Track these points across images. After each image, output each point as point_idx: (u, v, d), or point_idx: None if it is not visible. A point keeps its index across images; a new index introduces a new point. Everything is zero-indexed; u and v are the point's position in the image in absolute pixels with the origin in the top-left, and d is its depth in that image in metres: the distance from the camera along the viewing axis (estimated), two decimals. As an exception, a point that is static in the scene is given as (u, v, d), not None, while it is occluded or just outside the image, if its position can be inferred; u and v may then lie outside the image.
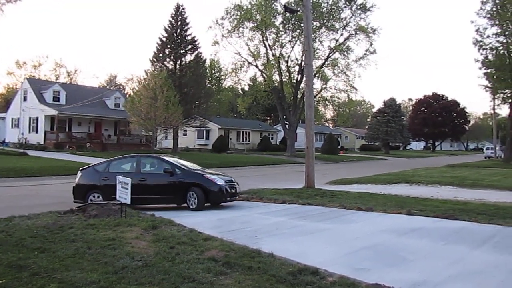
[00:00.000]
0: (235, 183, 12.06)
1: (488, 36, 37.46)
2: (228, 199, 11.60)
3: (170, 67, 43.53)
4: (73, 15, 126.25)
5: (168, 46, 43.67)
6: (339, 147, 64.30)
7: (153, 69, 41.41)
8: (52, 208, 10.07)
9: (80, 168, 12.62)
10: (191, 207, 11.03)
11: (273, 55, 43.97)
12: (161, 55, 43.59)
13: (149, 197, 11.42)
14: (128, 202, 8.91)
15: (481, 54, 38.02)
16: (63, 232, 7.34)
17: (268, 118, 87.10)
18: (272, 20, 41.94)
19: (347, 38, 43.37)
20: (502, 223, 8.92)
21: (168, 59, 44.02)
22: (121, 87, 76.89)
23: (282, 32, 43.66)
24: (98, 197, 11.35)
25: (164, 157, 12.39)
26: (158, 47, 43.78)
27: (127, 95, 47.21)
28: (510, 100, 37.95)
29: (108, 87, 75.14)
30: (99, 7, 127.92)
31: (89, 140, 40.61)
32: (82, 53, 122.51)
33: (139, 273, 5.20)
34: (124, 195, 8.83)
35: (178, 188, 11.26)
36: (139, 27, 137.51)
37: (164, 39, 43.71)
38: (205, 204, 11.22)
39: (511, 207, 11.18)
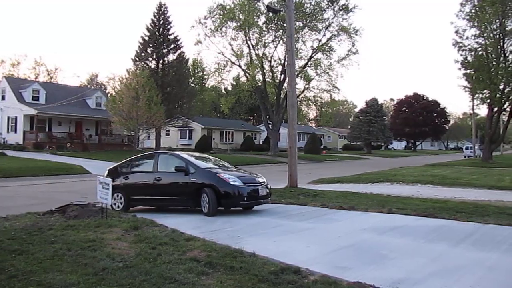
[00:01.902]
0: (262, 184, 10.44)
1: (467, 38, 38.25)
2: (247, 202, 10.11)
3: (152, 67, 43.18)
4: (53, 13, 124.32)
5: (151, 45, 43.32)
6: (322, 146, 64.73)
7: (135, 68, 41.07)
8: (31, 210, 9.88)
9: (108, 168, 12.13)
10: (203, 211, 9.79)
11: (256, 55, 44.01)
12: (143, 54, 43.20)
13: (162, 198, 10.63)
14: (109, 203, 8.79)
15: (461, 55, 38.80)
16: (42, 234, 7.20)
17: (251, 118, 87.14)
18: (255, 20, 41.96)
19: (329, 39, 43.67)
20: (480, 221, 9.09)
21: (150, 58, 43.66)
22: (103, 86, 76.02)
23: (265, 32, 43.74)
24: (120, 197, 10.92)
25: (181, 154, 11.21)
26: (140, 46, 43.39)
27: (109, 95, 46.63)
28: (488, 101, 38.70)
29: (89, 86, 74.18)
30: (80, 4, 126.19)
31: (69, 140, 40.02)
32: (62, 51, 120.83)
33: (120, 274, 5.13)
34: (105, 195, 8.71)
35: (190, 189, 10.06)
36: (121, 26, 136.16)
37: (147, 38, 43.34)
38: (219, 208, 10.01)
39: (489, 205, 11.41)
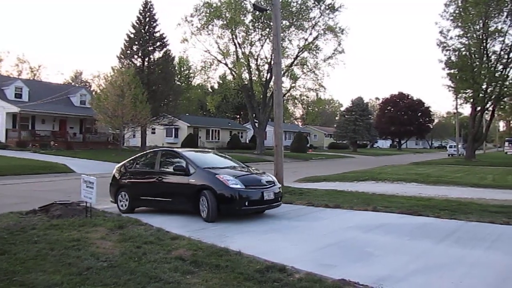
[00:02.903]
0: (268, 186, 9.31)
1: (451, 38, 38.78)
2: (248, 208, 8.98)
3: (138, 64, 42.77)
4: (36, 9, 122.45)
5: (136, 42, 42.92)
6: (308, 145, 64.98)
7: (121, 66, 40.66)
8: (13, 209, 9.73)
9: (116, 166, 11.59)
10: (203, 216, 8.92)
11: (242, 53, 43.98)
12: (128, 51, 42.78)
13: (163, 200, 9.90)
14: (94, 202, 8.68)
15: (445, 55, 39.31)
16: (25, 234, 7.10)
17: (238, 116, 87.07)
18: (242, 18, 41.92)
19: (316, 38, 43.88)
20: (463, 218, 9.22)
21: (136, 56, 43.24)
22: (87, 84, 75.06)
23: (252, 31, 43.73)
24: (125, 196, 10.45)
25: (182, 152, 10.24)
26: (125, 43, 42.96)
27: (93, 92, 46.10)
28: (471, 100, 39.26)
29: (73, 84, 73.24)
30: (64, 0, 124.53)
31: (53, 139, 39.46)
32: (46, 48, 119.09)
33: (104, 273, 5.09)
34: (89, 194, 8.61)
35: (190, 191, 9.18)
36: (106, 23, 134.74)
37: (132, 36, 42.93)
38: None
39: (472, 203, 11.57)
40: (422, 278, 5.32)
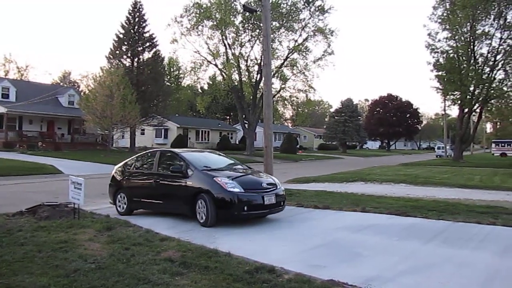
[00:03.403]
0: (269, 190, 8.85)
1: (439, 40, 39.21)
2: (247, 213, 8.49)
3: (127, 65, 42.59)
4: (24, 8, 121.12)
5: (125, 43, 42.72)
6: (297, 146, 65.11)
7: (110, 66, 40.45)
8: (0, 211, 9.61)
9: (116, 166, 11.29)
10: (200, 220, 8.53)
11: (232, 54, 43.93)
12: (117, 52, 42.56)
13: (160, 202, 9.53)
14: (82, 203, 8.61)
15: (433, 57, 39.70)
16: (11, 236, 7.01)
17: (228, 117, 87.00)
18: (232, 19, 41.87)
19: (305, 39, 43.99)
20: (451, 219, 9.32)
21: (125, 56, 43.06)
22: (76, 84, 74.37)
23: (242, 32, 43.71)
24: (124, 198, 10.22)
25: (181, 153, 9.81)
26: (114, 43, 42.74)
27: (82, 93, 45.73)
28: (459, 102, 39.68)
29: (61, 84, 72.53)
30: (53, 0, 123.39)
31: (41, 139, 39.08)
32: (34, 48, 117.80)
33: (92, 275, 5.05)
34: (77, 195, 8.54)
35: (188, 194, 8.81)
36: (95, 23, 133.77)
37: (121, 36, 42.73)
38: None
39: (459, 204, 11.69)
40: (411, 278, 5.36)
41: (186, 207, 8.86)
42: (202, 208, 8.47)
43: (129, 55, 43.04)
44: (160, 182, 9.48)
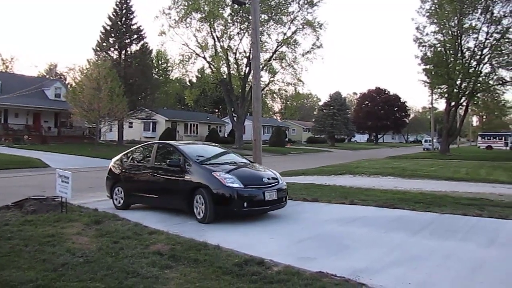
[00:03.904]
0: (270, 185, 8.52)
1: (427, 34, 39.46)
2: (247, 210, 8.20)
3: (114, 57, 42.12)
4: None
5: (113, 35, 42.22)
6: (286, 139, 65.28)
7: (97, 58, 39.95)
8: (-15, 204, 9.47)
9: (114, 158, 10.95)
10: (197, 217, 8.24)
11: (221, 47, 43.75)
12: (105, 44, 42.06)
13: (157, 197, 9.28)
14: (69, 197, 8.52)
15: (421, 50, 39.98)
16: (-2, 230, 6.93)
17: (216, 110, 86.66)
18: (220, 11, 41.64)
19: (294, 32, 43.98)
20: (438, 211, 9.43)
21: (112, 49, 42.57)
22: (62, 77, 73.38)
23: (230, 24, 43.52)
24: (121, 192, 9.97)
25: (178, 146, 9.48)
26: (101, 35, 42.21)
27: (69, 86, 45.15)
28: (446, 95, 40.07)
29: (48, 76, 71.54)
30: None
31: (27, 133, 38.55)
32: (19, 40, 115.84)
33: (80, 269, 5.02)
34: (64, 189, 8.45)
35: (185, 189, 8.51)
36: (81, 14, 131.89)
37: (108, 28, 42.21)
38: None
39: (446, 196, 11.83)
40: (398, 269, 5.42)
41: (184, 202, 8.56)
42: (200, 204, 8.17)
43: (116, 47, 42.56)
44: (157, 176, 9.20)
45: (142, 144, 11.03)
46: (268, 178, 8.69)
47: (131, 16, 43.21)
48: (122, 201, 9.96)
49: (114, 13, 42.51)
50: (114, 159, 10.87)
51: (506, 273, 5.38)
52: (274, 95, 50.46)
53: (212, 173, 8.29)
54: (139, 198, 9.79)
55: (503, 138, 66.93)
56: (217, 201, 8.04)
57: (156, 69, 64.76)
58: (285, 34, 43.92)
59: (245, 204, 8.09)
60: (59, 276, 4.77)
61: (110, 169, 10.66)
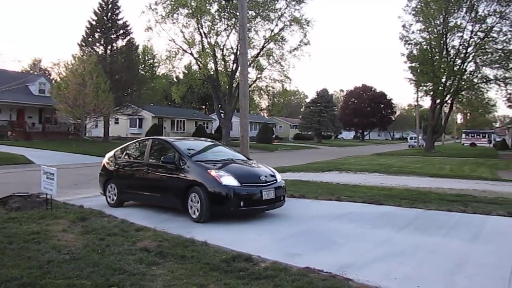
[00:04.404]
0: (268, 184, 8.25)
1: (413, 32, 39.75)
2: (243, 209, 7.95)
3: (100, 52, 41.63)
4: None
5: (98, 30, 41.74)
6: (273, 136, 65.37)
7: (82, 53, 39.41)
8: (-32, 201, 9.30)
9: (107, 154, 10.62)
10: (192, 216, 7.98)
11: (208, 43, 43.54)
12: (90, 39, 41.55)
13: (151, 194, 9.03)
14: (55, 193, 8.42)
15: (407, 48, 40.28)
16: (-19, 227, 6.82)
17: (203, 107, 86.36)
18: (208, 7, 41.43)
19: (282, 29, 43.96)
20: (422, 207, 9.57)
21: (98, 44, 42.08)
22: (47, 72, 72.39)
23: (218, 20, 43.33)
24: (114, 189, 9.72)
25: (173, 142, 9.18)
26: (87, 30, 41.70)
27: (53, 81, 44.52)
28: (431, 93, 40.49)
29: (31, 72, 70.46)
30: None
31: (10, 129, 37.92)
32: (2, 34, 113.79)
33: (66, 266, 4.97)
34: (49, 186, 8.35)
35: (180, 187, 8.23)
36: (66, 8, 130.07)
37: (94, 23, 41.72)
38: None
39: (431, 192, 12.00)
40: (384, 264, 5.49)
41: (178, 201, 8.30)
42: (195, 202, 7.91)
43: (102, 42, 42.09)
44: (151, 173, 8.92)
45: (136, 140, 10.74)
46: (266, 176, 8.43)
47: (117, 11, 42.77)
48: (115, 198, 9.73)
49: (100, 8, 42.01)
50: (107, 155, 10.57)
51: (489, 267, 5.48)
52: (261, 91, 50.44)
53: (208, 170, 8.02)
54: (133, 195, 9.57)
55: (487, 135, 68.15)
56: (213, 200, 7.76)
57: (143, 65, 64.08)
58: (272, 30, 43.93)
59: (241, 204, 7.83)
60: (44, 273, 4.72)
61: (104, 165, 10.39)
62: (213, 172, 7.95)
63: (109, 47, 42.45)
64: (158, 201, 9.04)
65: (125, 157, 10.04)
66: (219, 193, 7.76)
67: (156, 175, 8.83)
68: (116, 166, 9.96)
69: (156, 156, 9.21)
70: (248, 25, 38.02)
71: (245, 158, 9.68)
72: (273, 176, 8.65)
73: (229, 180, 7.84)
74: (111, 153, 10.47)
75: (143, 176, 9.15)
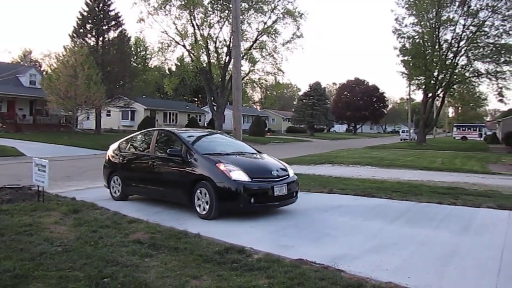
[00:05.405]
0: (280, 179, 7.88)
1: (406, 25, 39.88)
2: (254, 205, 7.54)
3: (92, 44, 41.31)
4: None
5: (90, 21, 41.35)
6: (266, 129, 65.40)
7: (73, 45, 39.02)
8: (-42, 193, 9.22)
9: (111, 145, 10.28)
10: (200, 212, 7.61)
11: (201, 35, 43.26)
12: (82, 30, 41.19)
13: (156, 188, 8.68)
14: (46, 185, 8.36)
15: (400, 42, 40.42)
16: (-28, 219, 6.77)
17: (196, 99, 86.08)
18: (201, -1, 41.11)
19: (275, 21, 43.75)
20: (414, 200, 9.66)
21: (89, 35, 41.75)
22: (38, 63, 71.67)
23: (211, 12, 43.02)
24: (118, 181, 9.42)
25: (180, 134, 8.78)
26: (78, 21, 41.30)
27: (44, 72, 44.07)
28: (423, 87, 40.71)
29: (22, 63, 69.66)
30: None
31: (1, 121, 37.53)
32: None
33: (59, 258, 4.96)
34: (41, 178, 8.30)
35: (187, 181, 7.85)
36: None
37: (85, 14, 41.32)
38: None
39: (422, 185, 12.11)
40: (375, 256, 5.54)
41: (184, 196, 7.93)
42: (203, 198, 7.56)
43: (93, 34, 41.74)
44: (157, 166, 8.57)
45: (142, 131, 10.40)
46: (277, 170, 8.06)
47: (109, 2, 42.38)
48: (119, 192, 9.43)
49: (91, -1, 41.58)
50: (112, 147, 10.23)
51: (479, 259, 5.56)
52: (254, 84, 50.27)
53: (216, 164, 7.61)
54: (138, 188, 9.20)
55: (477, 129, 68.69)
56: (221, 196, 7.38)
57: (135, 57, 63.86)
58: (265, 23, 43.72)
59: (252, 200, 7.45)
60: (37, 265, 4.70)
61: (108, 157, 10.08)
62: (222, 166, 7.54)
63: (101, 39, 42.09)
64: (163, 195, 8.68)
65: (130, 149, 9.69)
66: (228, 189, 7.37)
67: (162, 168, 8.49)
68: (121, 159, 9.63)
69: (162, 148, 8.84)
70: (241, 17, 37.82)
71: (255, 151, 9.19)
72: (285, 170, 8.29)
73: (239, 174, 7.45)
74: (115, 145, 10.13)
75: (148, 169, 8.77)
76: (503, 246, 6.17)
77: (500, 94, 37.99)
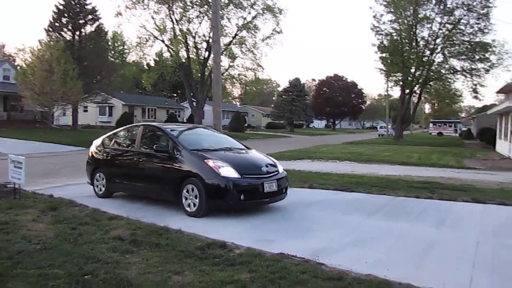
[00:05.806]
0: (270, 175, 7.76)
1: (384, 23, 40.43)
2: (244, 202, 7.47)
3: (68, 38, 40.44)
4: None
5: (66, 15, 40.46)
6: (246, 124, 65.34)
7: (49, 39, 38.13)
8: None
9: (95, 141, 9.97)
10: (187, 209, 7.46)
11: (180, 30, 42.84)
12: (57, 24, 40.27)
13: (142, 185, 8.46)
14: (23, 183, 8.20)
15: (378, 39, 40.97)
16: None
17: (175, 95, 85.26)
18: (179, -7, 40.69)
19: (254, 17, 43.65)
20: (392, 194, 9.85)
21: (65, 29, 40.82)
22: (11, 58, 69.86)
23: (190, 7, 42.63)
24: (102, 178, 9.13)
25: (166, 129, 8.61)
26: (54, 15, 40.36)
27: (19, 67, 43.02)
28: (401, 83, 41.35)
29: (-5, 57, 67.83)
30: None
31: (-27, 116, 36.58)
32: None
33: (38, 256, 4.89)
34: (17, 175, 8.15)
35: (172, 178, 7.70)
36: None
37: (61, 7, 40.40)
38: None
39: (400, 180, 12.34)
40: (355, 249, 5.64)
41: (171, 193, 7.75)
42: (191, 195, 7.38)
43: (70, 28, 40.86)
44: (142, 162, 8.32)
45: (127, 126, 10.04)
46: (267, 166, 7.93)
47: (86, -5, 41.55)
48: (103, 189, 9.17)
49: (67, -8, 40.70)
50: (95, 142, 9.95)
51: (455, 251, 5.71)
52: (234, 80, 50.09)
53: (205, 160, 7.44)
54: (122, 185, 8.99)
55: (453, 125, 70.22)
56: (210, 193, 7.23)
57: (112, 52, 62.90)
58: (245, 18, 43.58)
59: (242, 197, 7.31)
60: (15, 263, 4.63)
61: (91, 153, 9.82)
62: (211, 162, 7.38)
63: (77, 33, 41.27)
64: (149, 192, 8.49)
65: (114, 145, 9.44)
66: (217, 185, 7.22)
67: (148, 164, 8.25)
68: (105, 155, 9.37)
69: (148, 144, 8.60)
70: (220, 12, 37.61)
71: (244, 147, 9.07)
72: (275, 166, 8.19)
73: (228, 171, 7.30)
74: (99, 141, 9.84)
75: (133, 166, 8.53)
76: (478, 238, 6.35)
77: (475, 91, 38.94)
